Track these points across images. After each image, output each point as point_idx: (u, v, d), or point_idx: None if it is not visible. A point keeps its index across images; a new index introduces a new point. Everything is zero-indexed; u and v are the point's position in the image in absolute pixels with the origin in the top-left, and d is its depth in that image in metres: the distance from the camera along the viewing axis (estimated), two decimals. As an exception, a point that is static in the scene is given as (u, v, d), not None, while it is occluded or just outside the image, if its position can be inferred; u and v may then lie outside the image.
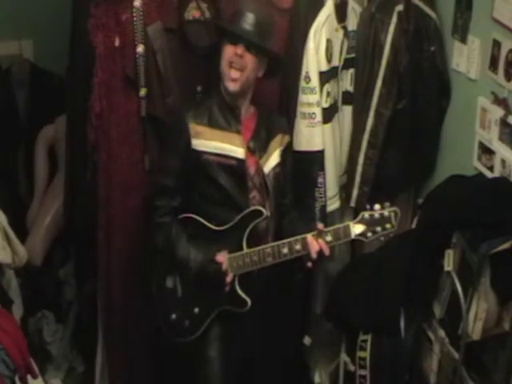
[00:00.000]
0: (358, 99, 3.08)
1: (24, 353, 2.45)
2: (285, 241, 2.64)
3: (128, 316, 3.05)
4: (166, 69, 2.85)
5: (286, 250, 2.63)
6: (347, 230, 2.64)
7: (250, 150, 2.72)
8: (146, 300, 2.89)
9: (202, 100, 2.85)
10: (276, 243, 2.65)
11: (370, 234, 2.64)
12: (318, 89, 2.89)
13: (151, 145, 2.91)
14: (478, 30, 2.80)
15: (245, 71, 2.63)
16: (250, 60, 2.63)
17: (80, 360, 3.58)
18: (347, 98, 3.10)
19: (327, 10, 2.89)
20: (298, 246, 2.63)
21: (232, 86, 2.64)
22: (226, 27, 2.68)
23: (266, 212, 2.68)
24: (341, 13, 2.96)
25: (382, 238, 2.69)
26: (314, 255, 2.61)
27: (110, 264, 2.99)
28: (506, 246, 2.39)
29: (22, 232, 3.34)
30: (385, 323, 2.83)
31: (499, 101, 2.66)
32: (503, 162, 2.65)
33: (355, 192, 3.11)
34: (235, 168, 2.69)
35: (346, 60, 3.04)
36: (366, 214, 2.64)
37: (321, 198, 2.97)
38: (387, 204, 2.66)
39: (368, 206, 2.67)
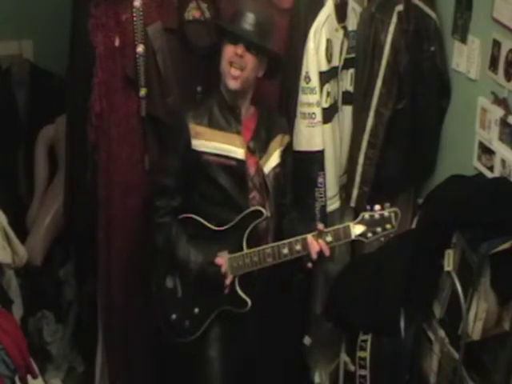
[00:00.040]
0: (358, 99, 3.08)
1: (24, 353, 2.45)
2: (285, 241, 2.64)
3: (128, 316, 3.05)
4: (166, 69, 2.85)
5: (286, 251, 2.63)
6: (347, 230, 2.64)
7: (250, 151, 2.72)
8: (145, 300, 2.89)
9: (202, 100, 2.85)
10: (276, 244, 2.65)
11: (370, 235, 2.64)
12: (318, 89, 2.89)
13: (151, 145, 2.91)
14: (478, 30, 2.80)
15: (245, 70, 2.63)
16: (250, 60, 2.63)
17: (80, 360, 3.58)
18: (347, 97, 3.10)
19: (327, 10, 2.89)
20: (298, 247, 2.63)
21: (232, 84, 2.63)
22: (226, 27, 2.68)
23: (266, 212, 2.68)
24: (341, 13, 2.96)
25: (382, 239, 2.69)
26: (314, 256, 2.61)
27: (110, 264, 2.99)
28: (506, 246, 2.39)
29: (22, 232, 3.34)
30: (385, 323, 2.83)
31: (499, 101, 2.66)
32: (503, 161, 2.65)
33: (355, 192, 3.11)
34: (235, 168, 2.69)
35: (345, 60, 3.04)
36: (367, 215, 2.64)
37: (321, 198, 2.97)
38: (387, 205, 2.66)
39: (368, 207, 2.67)
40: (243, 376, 2.84)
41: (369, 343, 2.88)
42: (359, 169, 3.08)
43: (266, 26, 2.69)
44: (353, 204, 3.13)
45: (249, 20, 2.64)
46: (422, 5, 3.01)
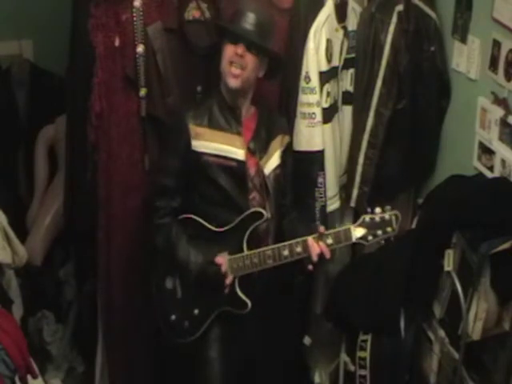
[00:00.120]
0: (358, 99, 3.08)
1: (24, 353, 2.44)
2: (285, 243, 2.64)
3: (128, 316, 3.05)
4: (166, 69, 2.85)
5: (286, 253, 2.62)
6: (348, 233, 2.64)
7: (250, 151, 2.72)
8: (146, 300, 2.89)
9: (202, 100, 2.85)
10: (276, 245, 2.65)
11: (370, 238, 2.64)
12: (318, 89, 2.89)
13: (151, 145, 2.91)
14: (478, 30, 2.80)
15: (245, 70, 2.63)
16: (250, 60, 2.62)
17: (80, 360, 3.58)
18: (347, 98, 3.10)
19: (327, 10, 2.89)
20: (298, 249, 2.62)
21: (233, 83, 2.62)
22: (227, 27, 2.68)
23: (266, 214, 2.68)
24: (341, 13, 2.96)
25: (383, 241, 2.68)
26: (314, 258, 2.61)
27: (110, 264, 2.99)
28: (506, 246, 2.39)
29: (22, 232, 3.34)
30: (385, 323, 2.83)
31: (499, 101, 2.66)
32: (503, 162, 2.65)
33: (355, 192, 3.11)
34: (235, 169, 2.68)
35: (346, 60, 3.04)
36: (367, 218, 2.64)
37: (321, 198, 2.97)
38: (388, 207, 2.66)
39: (369, 209, 2.67)
40: (243, 376, 2.83)
41: (369, 343, 2.88)
42: (359, 169, 3.08)
43: (266, 26, 2.69)
44: (353, 204, 3.13)
45: (249, 20, 2.64)
46: (422, 5, 3.01)
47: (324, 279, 3.16)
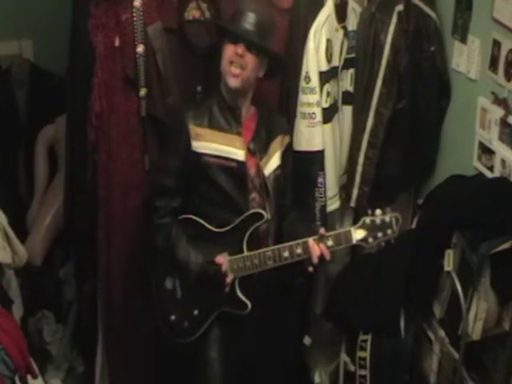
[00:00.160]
0: (358, 99, 3.08)
1: (24, 353, 2.44)
2: (286, 244, 2.64)
3: (128, 316, 3.05)
4: (166, 69, 2.85)
5: (286, 254, 2.62)
6: (348, 235, 2.64)
7: (250, 152, 2.71)
8: (146, 300, 2.89)
9: (202, 100, 2.84)
10: (277, 246, 2.64)
11: (371, 240, 2.64)
12: (318, 89, 2.89)
13: (151, 145, 2.91)
14: (478, 30, 2.80)
15: (245, 70, 2.62)
16: (250, 60, 2.62)
17: (80, 360, 3.58)
18: (347, 98, 3.10)
19: (327, 10, 2.89)
20: (299, 250, 2.62)
21: (233, 82, 2.62)
22: (227, 27, 2.68)
23: (266, 215, 2.67)
24: (341, 13, 2.96)
25: (383, 243, 2.68)
26: (315, 260, 2.61)
27: (110, 264, 2.99)
28: (506, 246, 2.39)
29: (22, 232, 3.34)
30: (385, 323, 2.83)
31: (499, 101, 2.66)
32: (503, 162, 2.65)
33: (355, 192, 3.11)
34: (235, 170, 2.68)
35: (346, 60, 3.04)
36: (367, 220, 2.64)
37: (321, 198, 2.97)
38: (388, 209, 2.66)
39: (369, 211, 2.67)
40: (243, 377, 2.83)
41: (369, 343, 2.88)
42: (359, 169, 3.08)
43: (266, 26, 2.69)
44: (353, 204, 3.13)
45: (249, 20, 2.64)
46: (422, 5, 3.01)
47: (324, 279, 3.16)
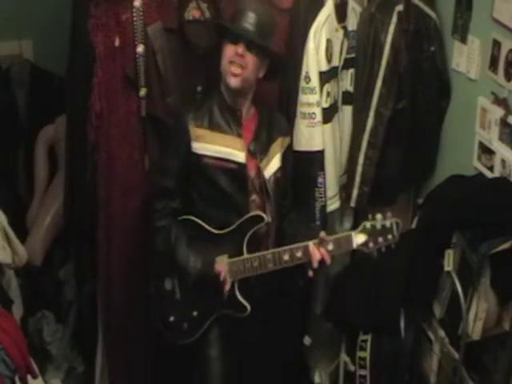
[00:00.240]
0: (358, 99, 3.08)
1: (24, 353, 2.44)
2: (286, 248, 2.63)
3: (128, 316, 3.05)
4: (166, 69, 2.85)
5: (286, 257, 2.61)
6: (349, 239, 2.64)
7: (250, 153, 2.70)
8: (146, 300, 2.88)
9: (202, 101, 2.83)
10: (277, 250, 2.64)
11: (371, 245, 2.63)
12: (318, 89, 2.89)
13: (151, 145, 2.91)
14: (478, 30, 2.80)
15: (246, 69, 2.61)
16: (250, 59, 2.61)
17: (80, 360, 3.58)
18: (347, 98, 3.10)
19: (327, 10, 2.89)
20: (299, 254, 2.61)
21: (233, 82, 2.61)
22: (227, 26, 2.66)
23: (266, 218, 2.67)
24: (341, 13, 2.96)
25: (384, 248, 2.68)
26: (315, 264, 2.61)
27: (110, 264, 2.99)
28: (506, 246, 2.39)
29: (22, 232, 3.34)
30: (385, 323, 2.83)
31: (499, 101, 2.66)
32: (503, 162, 2.65)
33: (355, 192, 3.11)
34: (236, 172, 2.67)
35: (346, 60, 3.04)
36: (368, 224, 2.63)
37: (321, 198, 2.97)
38: (389, 214, 2.66)
39: (370, 216, 2.67)
40: (243, 376, 2.83)
41: (369, 343, 2.88)
42: (359, 169, 3.08)
43: (266, 26, 2.68)
44: (353, 204, 3.13)
45: (250, 19, 2.63)
46: (422, 5, 3.01)
47: (324, 279, 3.16)
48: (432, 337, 2.74)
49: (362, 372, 2.93)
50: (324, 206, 2.99)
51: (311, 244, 2.61)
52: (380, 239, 2.63)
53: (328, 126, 2.98)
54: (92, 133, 2.84)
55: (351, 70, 3.08)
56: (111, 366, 3.16)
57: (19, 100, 3.89)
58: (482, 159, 2.78)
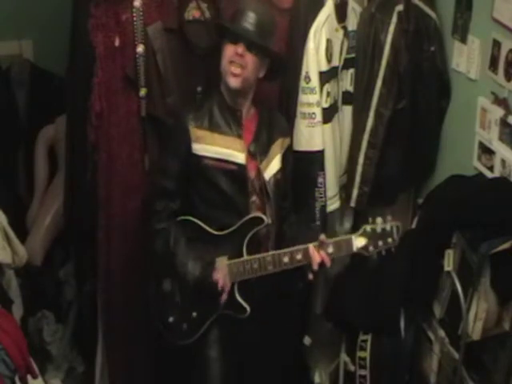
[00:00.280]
0: (358, 99, 3.08)
1: (24, 353, 2.44)
2: (286, 250, 2.63)
3: (128, 316, 3.05)
4: (166, 69, 2.85)
5: (286, 259, 2.61)
6: (349, 242, 2.65)
7: (250, 154, 2.70)
8: (145, 300, 2.88)
9: (202, 101, 2.81)
10: (277, 252, 2.63)
11: (371, 248, 2.65)
12: (318, 89, 2.89)
13: (151, 145, 2.91)
14: (478, 30, 2.80)
15: (246, 69, 2.60)
16: (250, 59, 2.61)
17: (80, 360, 3.58)
18: (347, 98, 3.10)
19: (327, 10, 2.89)
20: (299, 256, 2.61)
21: (233, 82, 2.61)
22: (227, 26, 2.66)
23: (266, 219, 2.66)
24: (341, 13, 2.96)
25: (384, 252, 2.69)
26: (315, 266, 2.61)
27: (110, 264, 2.99)
28: (506, 246, 2.39)
29: (22, 232, 3.34)
30: (385, 323, 2.83)
31: (499, 101, 2.66)
32: (503, 161, 2.65)
33: (355, 192, 3.11)
34: (236, 173, 2.67)
35: (346, 60, 3.04)
36: (368, 228, 2.64)
37: (321, 198, 2.97)
38: (389, 218, 2.67)
39: (370, 219, 2.67)
40: (242, 377, 2.83)
41: (369, 343, 2.88)
42: (359, 169, 3.08)
43: (267, 26, 2.67)
44: (353, 204, 3.13)
45: (250, 19, 2.62)
46: (422, 5, 3.01)
47: (324, 279, 3.16)
48: (432, 337, 2.74)
49: (362, 372, 2.93)
50: (324, 206, 2.99)
51: (311, 246, 2.61)
52: (380, 243, 2.64)
53: (328, 125, 2.98)
54: (92, 133, 2.84)
55: (351, 70, 3.08)
56: (111, 366, 3.15)
57: (19, 100, 3.89)
58: (482, 159, 2.78)
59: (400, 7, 2.97)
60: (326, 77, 2.93)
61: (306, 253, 2.61)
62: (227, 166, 2.66)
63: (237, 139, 2.69)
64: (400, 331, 2.79)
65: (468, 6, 2.84)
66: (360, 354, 2.92)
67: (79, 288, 3.48)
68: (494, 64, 2.68)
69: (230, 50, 2.61)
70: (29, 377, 2.48)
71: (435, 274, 2.66)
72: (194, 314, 2.69)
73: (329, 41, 2.90)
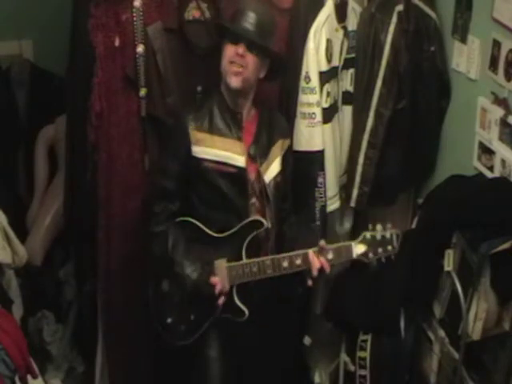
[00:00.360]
0: (358, 99, 3.08)
1: (24, 353, 2.44)
2: (285, 254, 2.63)
3: (128, 316, 3.05)
4: (166, 69, 2.85)
5: (286, 264, 2.61)
6: (349, 249, 2.65)
7: (250, 157, 2.69)
8: (145, 300, 2.88)
9: (202, 101, 2.80)
10: (276, 256, 2.63)
11: (371, 255, 2.65)
12: (318, 89, 2.89)
13: (151, 145, 2.91)
14: (478, 30, 2.80)
15: (246, 69, 2.60)
16: (251, 60, 2.60)
17: (80, 360, 3.58)
18: (347, 98, 3.10)
19: (327, 10, 2.89)
20: (298, 261, 2.61)
21: (234, 81, 2.60)
22: (227, 26, 2.66)
23: (266, 223, 2.66)
24: (341, 13, 2.96)
25: (383, 259, 2.69)
26: (314, 272, 2.61)
27: (110, 264, 2.99)
28: (506, 246, 2.39)
29: (22, 232, 3.34)
30: (385, 323, 2.83)
31: (499, 101, 2.66)
32: (503, 161, 2.65)
33: (355, 192, 3.11)
34: (236, 175, 2.66)
35: (346, 60, 3.04)
36: (368, 235, 2.65)
37: (321, 198, 2.97)
38: (389, 225, 2.67)
39: (370, 226, 2.67)
40: (242, 378, 2.83)
41: (369, 343, 2.88)
42: (359, 169, 3.08)
43: (267, 26, 2.67)
44: (353, 204, 3.13)
45: (250, 19, 2.62)
46: (422, 5, 3.01)
47: (324, 279, 3.16)
48: (432, 337, 2.74)
49: (362, 372, 2.93)
50: (324, 206, 2.99)
51: (311, 252, 2.61)
52: (380, 250, 2.65)
53: (328, 125, 2.98)
54: (92, 133, 2.84)
55: (351, 70, 3.08)
56: (111, 366, 3.15)
57: (19, 100, 3.89)
58: (482, 159, 2.78)
59: (400, 7, 2.97)
60: (326, 77, 2.93)
61: (305, 258, 2.61)
62: (227, 168, 2.66)
63: (237, 142, 2.68)
64: (400, 331, 2.79)
65: (468, 5, 2.84)
66: (360, 354, 2.92)
67: (79, 288, 3.49)
68: (493, 64, 2.68)
69: (230, 51, 2.60)
70: (29, 377, 2.48)
71: (435, 274, 2.66)
72: (192, 316, 2.68)
73: (329, 41, 2.90)
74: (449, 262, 2.58)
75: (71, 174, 3.03)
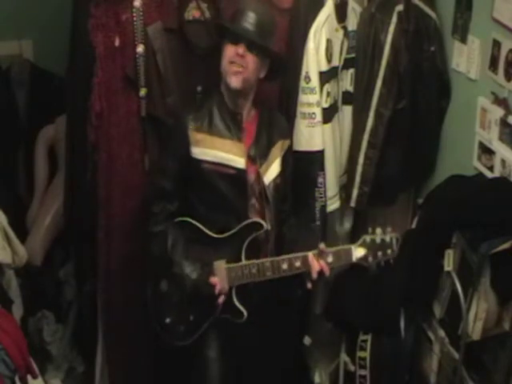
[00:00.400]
0: (358, 99, 3.08)
1: (24, 353, 2.44)
2: (285, 257, 2.62)
3: (128, 316, 3.05)
4: (166, 69, 2.85)
5: (285, 266, 2.61)
6: (349, 252, 2.65)
7: (250, 158, 2.69)
8: (145, 300, 2.88)
9: (202, 101, 2.80)
10: (276, 258, 2.63)
11: (370, 259, 2.65)
12: (318, 89, 2.89)
13: (151, 145, 2.91)
14: (478, 30, 2.80)
15: (246, 69, 2.60)
16: (251, 60, 2.60)
17: (80, 360, 3.58)
18: (347, 98, 3.10)
19: (327, 10, 2.89)
20: (298, 263, 2.61)
21: (234, 81, 2.60)
22: (227, 26, 2.65)
23: (265, 225, 2.65)
24: (341, 13, 2.96)
25: (383, 263, 2.69)
26: (314, 275, 2.61)
27: (110, 264, 2.99)
28: (506, 246, 2.39)
29: (22, 232, 3.34)
30: (385, 323, 2.83)
31: (499, 101, 2.66)
32: (503, 161, 2.65)
33: (355, 192, 3.11)
34: (235, 177, 2.66)
35: (346, 60, 3.04)
36: (368, 238, 2.64)
37: (321, 198, 2.97)
38: (389, 229, 2.67)
39: (370, 229, 2.67)
40: (241, 378, 2.83)
41: (369, 343, 2.88)
42: (359, 169, 3.08)
43: (267, 26, 2.67)
44: (353, 204, 3.13)
45: (250, 19, 2.62)
46: (422, 5, 3.01)
47: (324, 279, 3.16)
48: (432, 337, 2.74)
49: (362, 372, 2.93)
50: (324, 206, 2.99)
51: (311, 255, 2.61)
52: (379, 253, 2.65)
53: (328, 125, 2.98)
54: (92, 133, 2.84)
55: (351, 70, 3.08)
56: (111, 366, 3.16)
57: (19, 100, 3.89)
58: (482, 159, 2.78)
59: (400, 7, 2.97)
60: (326, 77, 2.93)
61: (305, 260, 2.61)
62: (227, 170, 2.65)
63: (237, 143, 2.68)
64: (400, 331, 2.79)
65: (468, 5, 2.84)
66: (360, 354, 2.92)
67: (79, 288, 3.49)
68: (494, 64, 2.68)
69: (230, 51, 2.60)
70: (29, 377, 2.48)
71: (435, 274, 2.66)
72: (191, 316, 2.68)
73: (329, 41, 2.90)
74: (449, 262, 2.58)
75: (71, 174, 3.03)
